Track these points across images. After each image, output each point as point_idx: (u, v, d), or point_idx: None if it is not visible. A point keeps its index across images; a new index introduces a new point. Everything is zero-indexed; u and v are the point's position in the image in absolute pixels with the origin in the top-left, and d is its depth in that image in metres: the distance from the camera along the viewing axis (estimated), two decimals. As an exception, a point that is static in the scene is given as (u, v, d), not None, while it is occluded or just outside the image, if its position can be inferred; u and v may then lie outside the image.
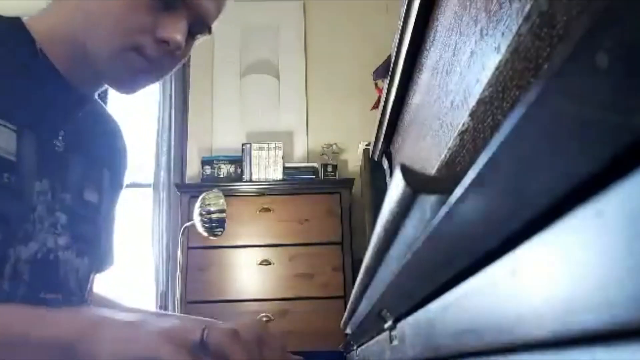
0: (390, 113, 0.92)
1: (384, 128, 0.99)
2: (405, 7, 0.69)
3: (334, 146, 2.97)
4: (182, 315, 0.53)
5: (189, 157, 3.15)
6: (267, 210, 2.63)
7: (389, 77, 0.86)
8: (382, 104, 0.95)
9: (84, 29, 0.65)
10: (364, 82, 2.69)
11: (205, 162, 2.84)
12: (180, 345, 0.47)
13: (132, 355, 0.48)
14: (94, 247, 0.78)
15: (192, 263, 2.53)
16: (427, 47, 0.68)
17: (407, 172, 0.21)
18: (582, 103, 0.11)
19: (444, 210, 0.20)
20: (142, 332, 0.49)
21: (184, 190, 2.72)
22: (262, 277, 2.56)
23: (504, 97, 0.40)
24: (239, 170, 2.81)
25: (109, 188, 0.83)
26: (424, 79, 0.71)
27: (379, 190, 2.25)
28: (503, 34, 0.40)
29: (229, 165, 2.82)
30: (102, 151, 0.81)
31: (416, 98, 0.76)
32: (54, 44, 0.68)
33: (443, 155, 0.59)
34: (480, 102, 0.45)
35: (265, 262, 2.57)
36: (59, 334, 0.52)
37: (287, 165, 2.84)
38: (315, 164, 2.88)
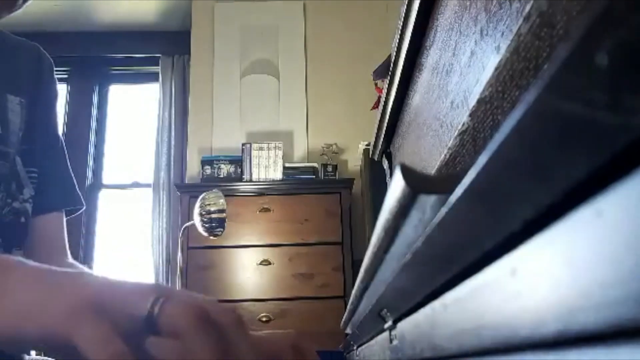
0: (390, 113, 0.92)
1: (384, 128, 0.99)
2: (405, 7, 0.69)
3: (334, 146, 2.97)
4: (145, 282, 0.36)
5: (189, 157, 3.16)
6: (267, 210, 2.63)
7: (389, 77, 0.86)
8: (382, 104, 0.95)
9: None
10: (364, 82, 2.69)
11: (205, 162, 2.84)
12: (110, 320, 0.31)
13: (28, 331, 0.32)
14: (7, 184, 0.70)
15: (192, 263, 2.53)
16: (427, 47, 0.68)
17: (407, 172, 0.21)
18: (582, 103, 0.11)
19: (444, 210, 0.20)
20: (54, 293, 0.33)
21: (184, 190, 2.72)
22: (261, 277, 2.56)
23: (504, 97, 0.40)
24: (239, 170, 2.81)
25: (24, 112, 0.75)
26: (424, 79, 0.71)
27: (379, 190, 2.25)
28: (503, 34, 0.40)
29: (229, 165, 2.82)
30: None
31: (416, 98, 0.76)
32: None
33: (443, 155, 0.59)
34: (480, 102, 0.45)
35: (265, 262, 2.57)
36: None
37: (287, 165, 2.85)
38: (315, 164, 2.88)
